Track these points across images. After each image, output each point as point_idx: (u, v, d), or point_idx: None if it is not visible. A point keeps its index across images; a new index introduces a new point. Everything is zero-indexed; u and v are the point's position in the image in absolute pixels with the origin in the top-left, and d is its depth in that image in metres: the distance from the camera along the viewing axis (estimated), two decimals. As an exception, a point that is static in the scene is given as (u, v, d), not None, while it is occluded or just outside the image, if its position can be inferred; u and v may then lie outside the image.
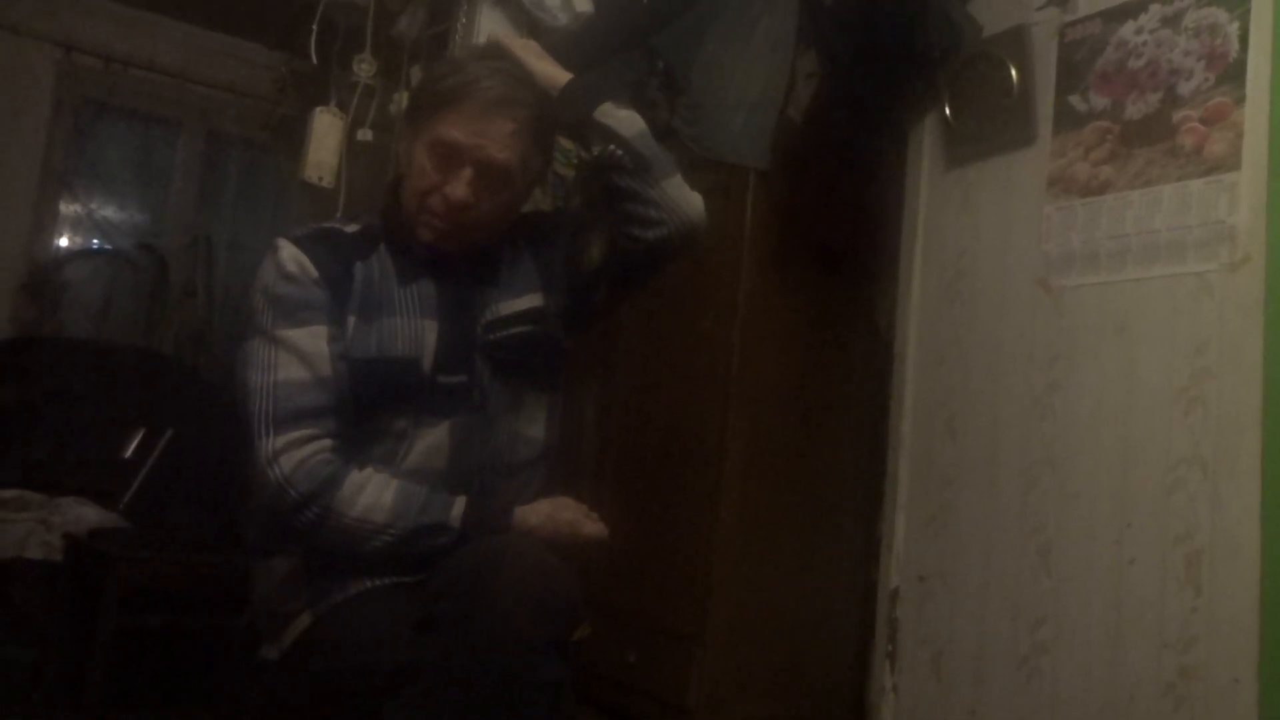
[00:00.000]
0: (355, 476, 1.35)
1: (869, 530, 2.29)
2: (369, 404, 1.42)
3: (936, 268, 2.14)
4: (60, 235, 3.89)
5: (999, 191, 2.03)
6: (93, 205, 3.96)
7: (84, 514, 2.71)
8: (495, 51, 1.59)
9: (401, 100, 2.75)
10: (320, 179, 2.85)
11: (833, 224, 2.38)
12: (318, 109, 2.92)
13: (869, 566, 2.24)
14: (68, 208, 3.90)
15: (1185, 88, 1.72)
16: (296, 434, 1.35)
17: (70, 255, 3.87)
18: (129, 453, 2.92)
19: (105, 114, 3.95)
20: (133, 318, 3.86)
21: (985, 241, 2.04)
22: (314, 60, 2.96)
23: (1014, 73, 1.99)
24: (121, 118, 4.01)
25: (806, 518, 2.32)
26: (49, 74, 3.72)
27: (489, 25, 2.37)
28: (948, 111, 2.13)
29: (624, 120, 1.52)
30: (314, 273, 1.43)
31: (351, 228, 1.54)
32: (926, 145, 2.19)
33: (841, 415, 2.38)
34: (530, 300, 1.55)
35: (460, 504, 1.36)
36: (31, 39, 3.67)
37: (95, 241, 3.96)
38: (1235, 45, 1.65)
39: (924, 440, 2.10)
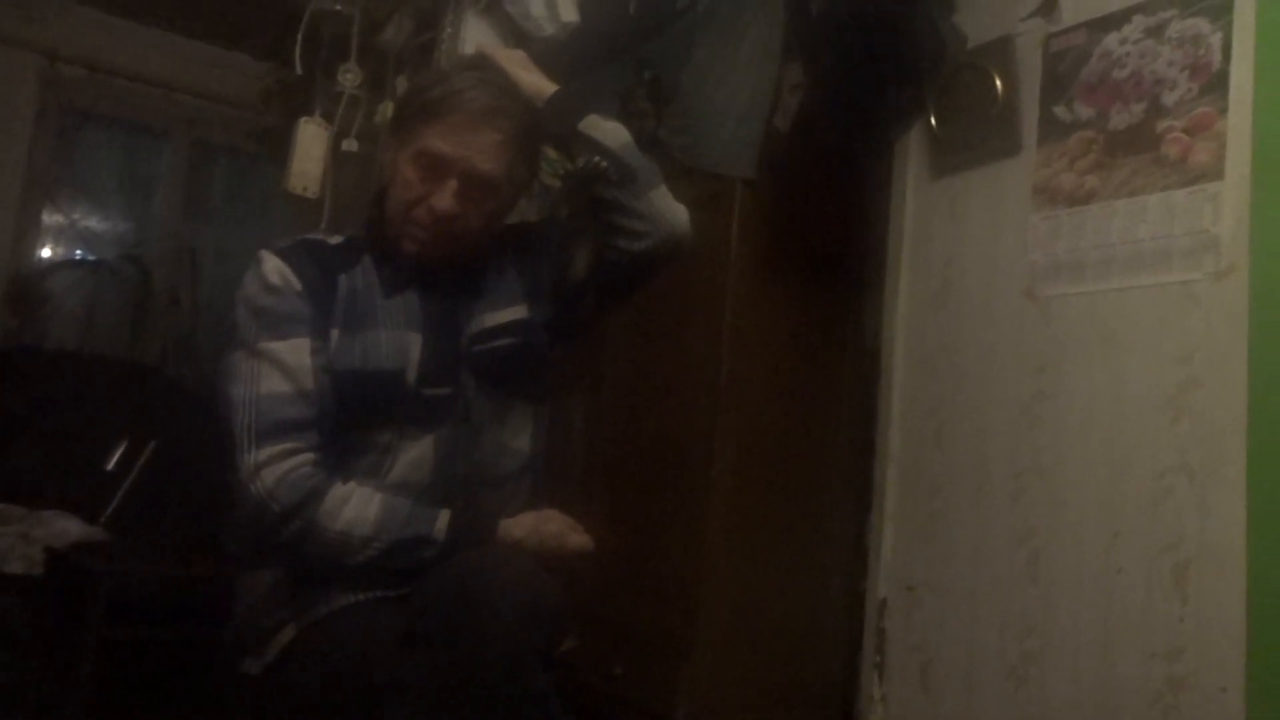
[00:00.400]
0: (339, 490, 1.34)
1: (858, 539, 2.28)
2: (353, 417, 1.41)
3: (923, 277, 2.14)
4: (43, 245, 3.86)
5: (985, 201, 2.03)
6: (76, 215, 3.93)
7: (66, 527, 2.69)
8: (481, 62, 1.59)
9: (387, 110, 2.74)
10: (305, 189, 2.84)
11: (820, 233, 2.37)
12: (302, 119, 2.92)
13: (857, 576, 2.23)
14: (51, 217, 3.87)
15: (1169, 98, 1.72)
16: (279, 448, 1.35)
17: (54, 265, 3.85)
18: (112, 465, 2.90)
19: (90, 123, 3.92)
20: (117, 328, 3.83)
21: (972, 251, 2.04)
22: (299, 70, 2.95)
23: (999, 83, 1.99)
24: (106, 127, 3.99)
25: (795, 527, 2.31)
26: (33, 83, 3.70)
27: (475, 35, 2.37)
28: (934, 122, 2.13)
29: (609, 132, 1.52)
30: (297, 285, 1.43)
31: (335, 239, 1.54)
32: (913, 155, 2.20)
33: (830, 424, 2.37)
34: (515, 312, 1.55)
35: (444, 517, 1.35)
36: (15, 47, 3.64)
37: (79, 252, 3.94)
38: (1218, 55, 1.66)
39: (912, 449, 2.09)
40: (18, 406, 3.07)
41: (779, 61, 2.29)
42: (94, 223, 3.99)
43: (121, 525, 2.82)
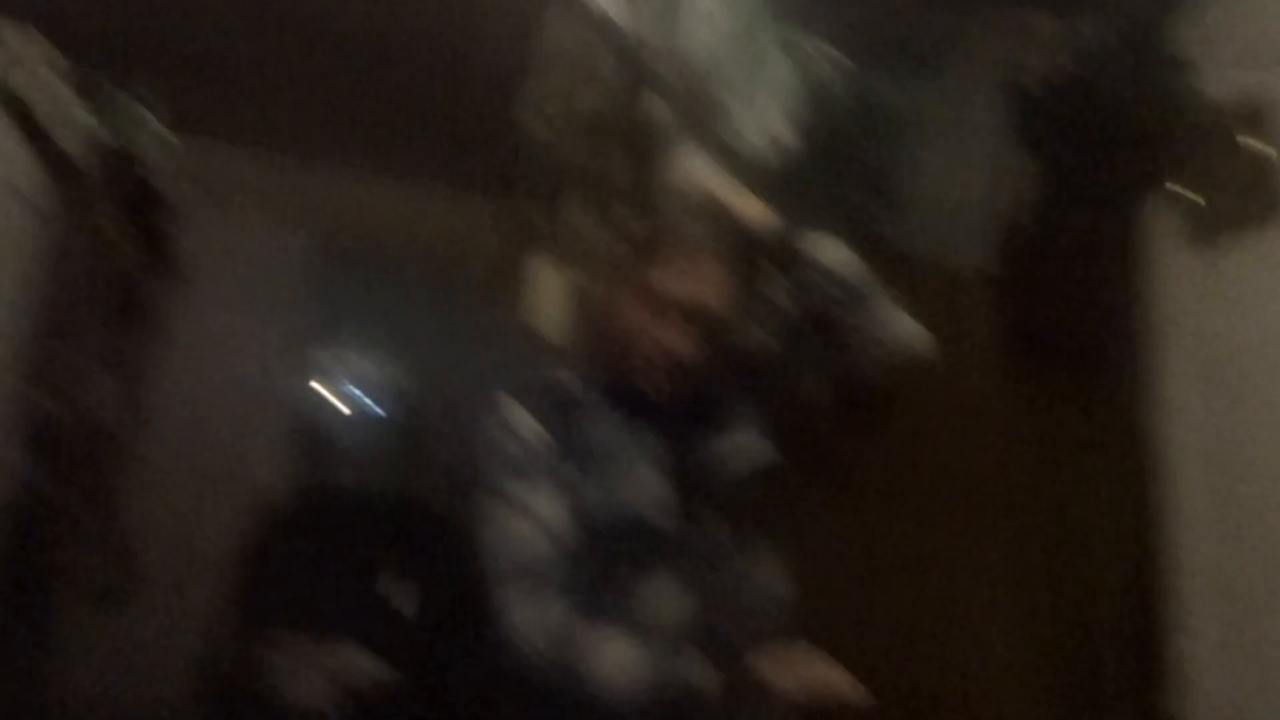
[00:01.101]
0: (590, 634, 1.34)
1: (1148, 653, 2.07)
2: (597, 557, 1.42)
3: (1192, 359, 1.96)
4: (316, 386, 4.19)
5: (1254, 271, 1.85)
6: (346, 362, 4.25)
7: (357, 662, 2.80)
8: (697, 193, 1.61)
9: (614, 247, 2.81)
10: (541, 326, 2.94)
11: (1069, 321, 2.23)
12: (536, 256, 3.04)
13: (1155, 694, 2.01)
14: (320, 363, 4.20)
15: None
16: (526, 589, 1.37)
17: (331, 412, 4.15)
18: (395, 600, 3.03)
19: (349, 276, 4.26)
20: (389, 465, 4.07)
21: (1245, 326, 1.86)
22: (523, 207, 3.09)
23: (1252, 142, 1.84)
24: (361, 277, 4.31)
25: (1064, 638, 2.12)
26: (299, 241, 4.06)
27: (690, 165, 2.41)
28: (1181, 189, 1.98)
29: (832, 251, 1.49)
30: (538, 428, 1.47)
31: (571, 378, 1.58)
32: (1163, 229, 2.04)
33: (1098, 522, 2.19)
34: (751, 438, 1.53)
35: (701, 663, 1.33)
36: (277, 219, 4.02)
37: (350, 394, 4.24)
38: None
39: (1204, 553, 1.89)
40: (311, 546, 3.28)
41: (1007, 149, 2.21)
42: (363, 369, 4.29)
43: (406, 663, 2.93)
